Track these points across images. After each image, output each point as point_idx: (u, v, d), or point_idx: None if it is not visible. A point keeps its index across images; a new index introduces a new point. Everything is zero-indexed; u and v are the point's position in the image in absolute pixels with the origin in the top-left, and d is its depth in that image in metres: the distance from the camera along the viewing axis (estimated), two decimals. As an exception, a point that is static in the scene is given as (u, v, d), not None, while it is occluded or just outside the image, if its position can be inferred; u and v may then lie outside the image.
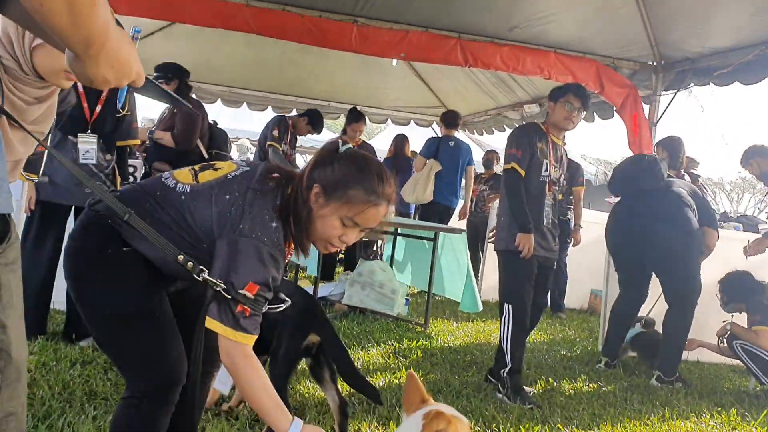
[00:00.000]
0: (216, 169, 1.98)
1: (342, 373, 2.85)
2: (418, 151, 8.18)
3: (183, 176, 1.95)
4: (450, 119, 7.70)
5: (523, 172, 4.09)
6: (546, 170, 4.15)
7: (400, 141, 9.56)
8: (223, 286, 1.75)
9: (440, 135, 7.62)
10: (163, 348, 1.90)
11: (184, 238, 1.85)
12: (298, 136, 7.24)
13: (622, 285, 5.25)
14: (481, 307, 5.86)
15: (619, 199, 5.36)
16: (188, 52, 8.87)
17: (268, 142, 6.85)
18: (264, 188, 1.88)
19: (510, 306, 4.06)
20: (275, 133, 6.71)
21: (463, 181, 7.68)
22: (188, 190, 1.89)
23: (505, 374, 4.01)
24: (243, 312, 1.76)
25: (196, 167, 2.01)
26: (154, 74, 5.50)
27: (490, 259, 7.52)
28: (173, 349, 1.91)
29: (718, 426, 3.92)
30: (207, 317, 1.78)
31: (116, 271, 1.84)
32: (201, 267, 1.77)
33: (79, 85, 4.70)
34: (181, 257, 1.76)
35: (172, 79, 5.25)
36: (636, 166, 5.14)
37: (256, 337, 1.81)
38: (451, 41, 6.63)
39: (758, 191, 31.41)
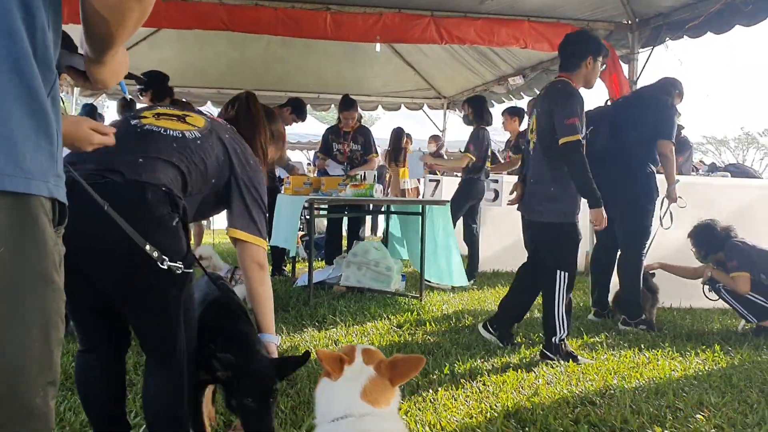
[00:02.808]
0: (194, 116, 2.30)
1: None
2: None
3: (175, 125, 2.17)
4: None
5: (584, 143, 3.94)
6: (583, 131, 3.98)
7: (398, 135, 9.80)
8: (183, 268, 1.93)
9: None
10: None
11: (200, 178, 2.13)
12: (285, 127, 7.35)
13: (597, 232, 5.40)
14: (466, 281, 6.07)
15: None
16: (174, 58, 9.05)
17: None
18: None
19: (566, 274, 4.00)
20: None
21: None
22: (198, 133, 2.18)
23: (558, 341, 4.00)
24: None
25: (173, 115, 2.24)
26: (139, 85, 5.68)
27: (486, 231, 7.64)
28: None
29: (702, 362, 4.03)
30: (246, 233, 2.23)
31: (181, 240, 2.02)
32: (164, 257, 1.89)
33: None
34: (148, 247, 1.86)
35: (147, 89, 5.43)
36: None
37: None
38: (425, 19, 6.75)
39: (762, 146, 31.15)
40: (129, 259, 1.87)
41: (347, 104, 6.97)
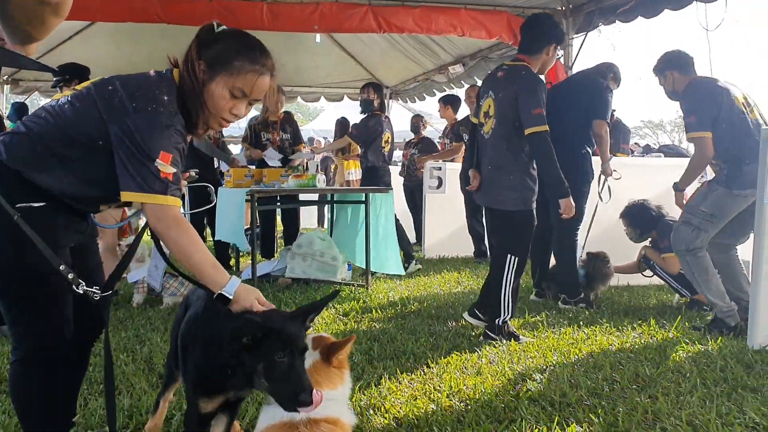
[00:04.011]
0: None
1: None
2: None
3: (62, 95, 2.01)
4: None
5: None
6: None
7: (343, 125, 9.73)
8: (99, 292, 1.90)
9: None
10: (49, 314, 1.98)
11: (80, 142, 1.89)
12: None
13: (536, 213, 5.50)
14: (404, 271, 6.15)
15: None
16: (108, 54, 8.83)
17: None
18: (144, 75, 1.97)
19: (516, 259, 4.05)
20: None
21: None
22: (69, 97, 1.94)
23: (501, 322, 4.06)
24: (167, 178, 1.85)
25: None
26: (55, 78, 5.49)
27: (431, 219, 7.73)
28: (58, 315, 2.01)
29: (638, 336, 4.17)
30: (128, 193, 1.84)
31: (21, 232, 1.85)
32: (80, 280, 1.87)
33: None
34: (62, 267, 1.84)
35: (71, 79, 5.24)
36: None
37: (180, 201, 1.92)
38: (363, 8, 6.75)
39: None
40: None
41: (277, 90, 6.85)
